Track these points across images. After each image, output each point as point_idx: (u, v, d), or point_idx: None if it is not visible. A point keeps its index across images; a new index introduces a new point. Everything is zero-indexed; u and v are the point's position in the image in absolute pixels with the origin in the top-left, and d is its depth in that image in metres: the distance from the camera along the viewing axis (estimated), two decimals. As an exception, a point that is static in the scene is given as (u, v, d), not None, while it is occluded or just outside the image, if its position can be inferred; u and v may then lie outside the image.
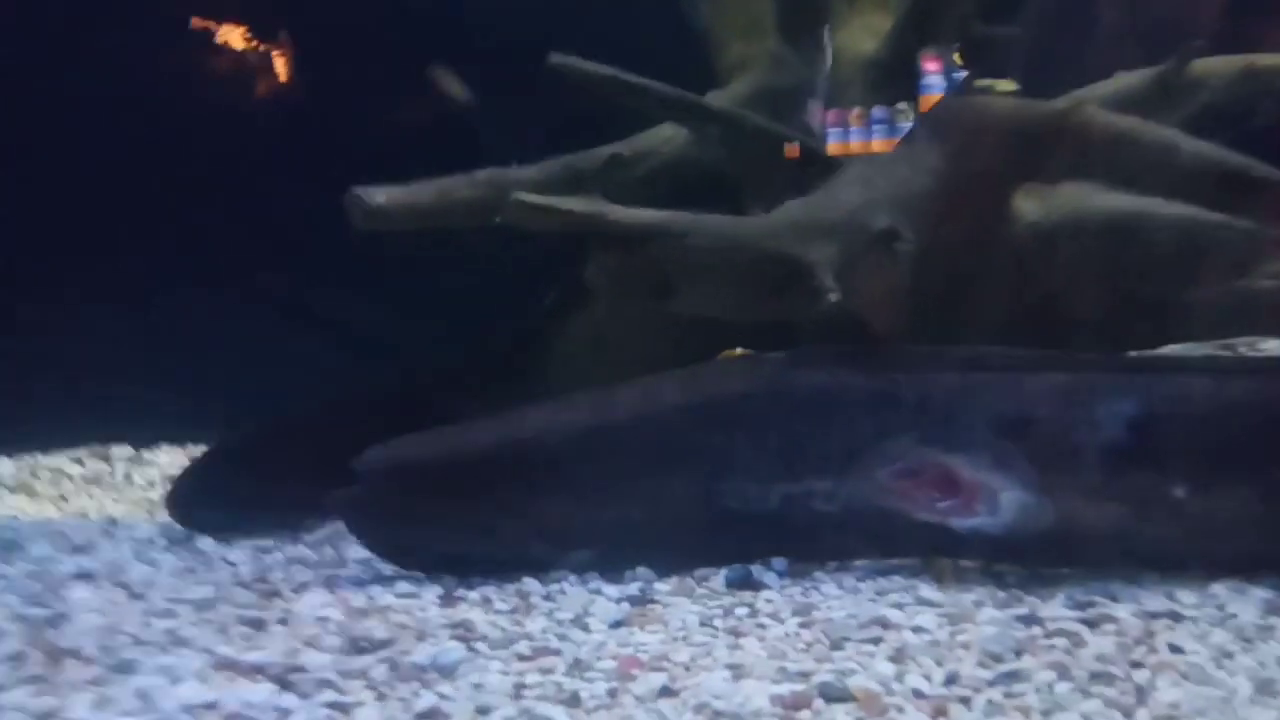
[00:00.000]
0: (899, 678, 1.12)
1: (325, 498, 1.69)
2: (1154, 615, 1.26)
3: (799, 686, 1.10)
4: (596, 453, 1.52)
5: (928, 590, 1.32)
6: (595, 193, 1.87)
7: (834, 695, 1.08)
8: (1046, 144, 1.83)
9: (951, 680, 1.12)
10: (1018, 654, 1.16)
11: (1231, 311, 1.88)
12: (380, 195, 1.71)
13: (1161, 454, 1.29)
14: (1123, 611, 1.27)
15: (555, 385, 2.31)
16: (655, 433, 1.51)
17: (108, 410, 2.45)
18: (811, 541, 1.42)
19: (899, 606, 1.30)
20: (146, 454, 2.54)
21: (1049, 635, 1.22)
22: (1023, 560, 1.37)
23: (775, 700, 1.07)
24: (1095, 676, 1.11)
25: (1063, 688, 1.09)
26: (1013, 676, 1.11)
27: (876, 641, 1.21)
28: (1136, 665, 1.14)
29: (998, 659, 1.15)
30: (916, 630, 1.24)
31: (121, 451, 2.53)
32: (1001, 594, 1.33)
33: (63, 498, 2.30)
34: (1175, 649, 1.18)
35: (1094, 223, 1.92)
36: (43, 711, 1.10)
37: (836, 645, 1.21)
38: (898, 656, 1.17)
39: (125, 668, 1.22)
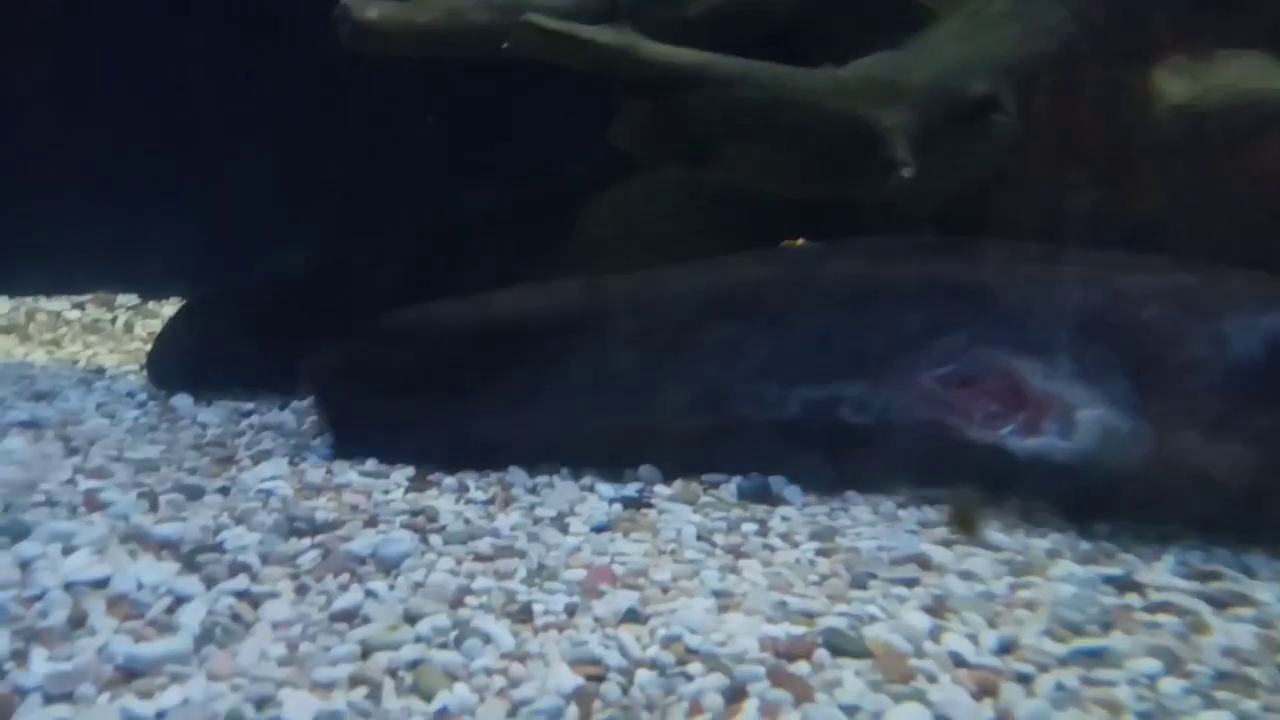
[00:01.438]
0: (934, 635, 0.87)
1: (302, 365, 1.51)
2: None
3: (799, 629, 0.87)
4: (584, 344, 1.26)
5: (988, 529, 1.03)
6: (629, 27, 1.57)
7: (843, 647, 0.84)
8: (1202, 6, 1.44)
9: (1006, 648, 0.86)
10: (1105, 627, 0.88)
11: None
12: (373, 9, 1.44)
13: None
14: (1265, 594, 0.95)
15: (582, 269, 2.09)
16: (654, 322, 1.23)
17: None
18: (831, 459, 1.14)
19: (946, 544, 1.02)
20: (153, 305, 2.39)
21: (1151, 609, 0.92)
22: (1098, 502, 1.06)
23: (765, 643, 0.84)
24: (1223, 678, 0.82)
25: (1172, 686, 0.80)
26: (1096, 657, 0.83)
27: (910, 584, 0.95)
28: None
29: (1076, 630, 0.88)
30: (965, 577, 0.97)
31: (127, 300, 2.39)
32: (1085, 545, 1.03)
33: (55, 343, 2.17)
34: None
35: (1264, 110, 1.53)
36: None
37: (858, 582, 0.96)
38: (936, 607, 0.92)
39: (19, 530, 1.06)
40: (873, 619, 0.90)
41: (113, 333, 2.26)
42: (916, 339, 1.07)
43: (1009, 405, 1.02)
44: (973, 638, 0.88)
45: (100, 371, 1.95)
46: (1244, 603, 0.94)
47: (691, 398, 1.19)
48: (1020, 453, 1.02)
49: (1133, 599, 0.95)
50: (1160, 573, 1.00)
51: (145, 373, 1.87)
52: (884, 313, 1.12)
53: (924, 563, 1.00)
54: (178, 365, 1.78)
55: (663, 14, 1.67)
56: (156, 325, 2.30)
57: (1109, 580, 0.97)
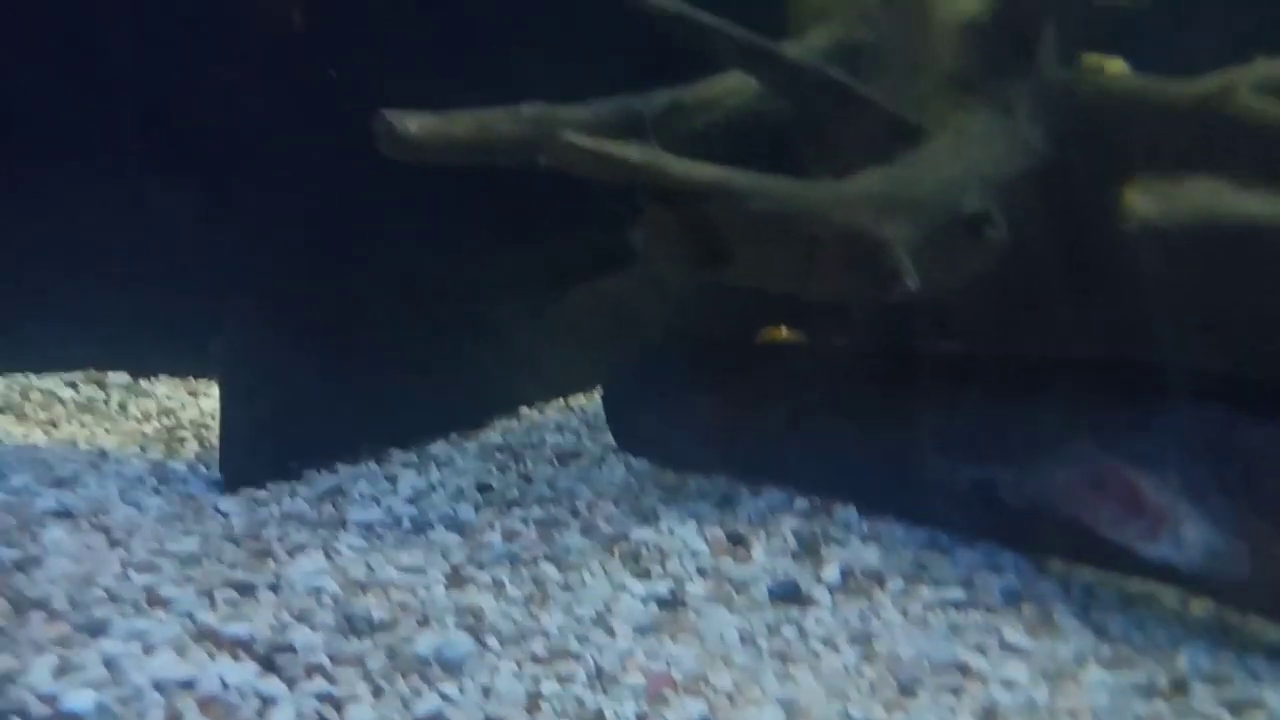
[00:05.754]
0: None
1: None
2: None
3: (870, 738, 0.94)
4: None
5: (1012, 633, 1.13)
6: (650, 141, 1.69)
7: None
8: (1176, 133, 1.62)
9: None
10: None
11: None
12: (413, 122, 1.53)
13: None
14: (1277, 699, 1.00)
15: (559, 345, 2.19)
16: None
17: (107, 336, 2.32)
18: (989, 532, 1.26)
19: (980, 650, 1.09)
20: (144, 383, 2.40)
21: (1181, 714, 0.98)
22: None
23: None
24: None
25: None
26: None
27: (957, 692, 1.02)
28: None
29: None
30: (1007, 686, 1.03)
31: (118, 379, 2.39)
32: (1106, 649, 1.08)
33: (52, 423, 2.17)
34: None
35: (1223, 228, 1.71)
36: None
37: (907, 690, 1.03)
38: (987, 716, 0.98)
39: (95, 628, 1.09)
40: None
41: (107, 412, 2.26)
42: (1055, 438, 1.17)
43: (1131, 511, 1.10)
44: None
45: (104, 454, 1.95)
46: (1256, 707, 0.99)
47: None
48: (1147, 557, 1.11)
49: (1160, 706, 1.00)
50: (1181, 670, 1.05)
51: (155, 453, 1.88)
52: (1028, 410, 1.22)
53: (964, 669, 1.07)
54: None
55: (676, 125, 1.81)
56: (151, 404, 2.31)
57: (1136, 687, 1.03)
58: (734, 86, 1.88)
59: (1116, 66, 2.11)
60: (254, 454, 1.78)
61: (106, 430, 2.13)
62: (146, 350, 2.36)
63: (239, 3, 2.30)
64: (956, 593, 1.20)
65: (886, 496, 1.37)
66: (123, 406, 2.29)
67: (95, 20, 2.31)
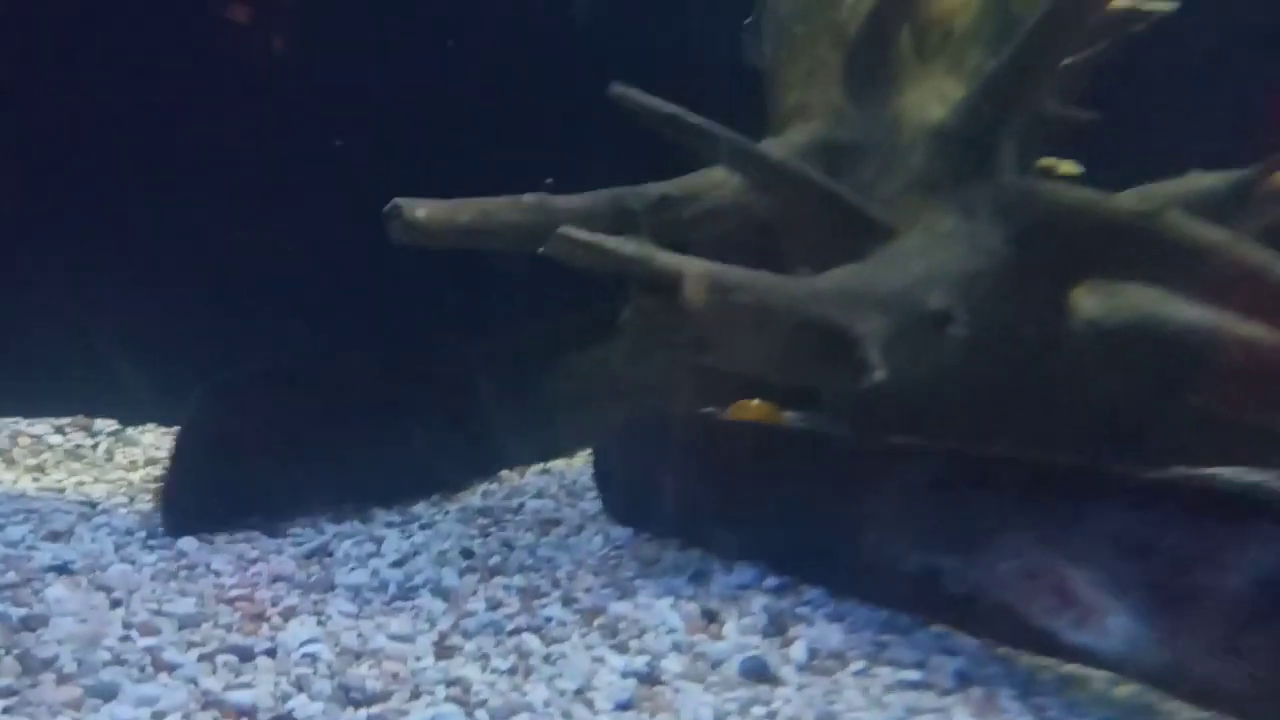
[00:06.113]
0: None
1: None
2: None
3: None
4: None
5: (961, 715, 1.22)
6: (641, 231, 1.81)
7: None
8: (1117, 243, 1.77)
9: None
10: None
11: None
12: (422, 210, 1.64)
13: None
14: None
15: (554, 410, 2.29)
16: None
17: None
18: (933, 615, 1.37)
19: None
20: (131, 431, 2.45)
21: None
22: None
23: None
24: None
25: None
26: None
27: None
28: None
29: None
30: None
31: (105, 425, 2.44)
32: None
33: (40, 469, 2.20)
34: None
35: (1161, 329, 1.86)
36: (14, 736, 1.03)
37: (868, 767, 1.12)
38: None
39: (106, 692, 1.14)
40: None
41: (95, 459, 2.30)
42: (996, 531, 1.29)
43: (1062, 602, 1.21)
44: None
45: (93, 505, 2.00)
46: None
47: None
48: (1072, 645, 1.21)
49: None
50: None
51: (144, 503, 1.93)
52: (974, 503, 1.34)
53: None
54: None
55: (666, 216, 1.94)
56: (137, 453, 2.36)
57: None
58: (719, 179, 2.02)
59: (1069, 169, 2.28)
60: (201, 504, 1.84)
61: (94, 479, 2.17)
62: (134, 399, 2.41)
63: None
64: (913, 674, 1.29)
65: (848, 577, 1.47)
66: (109, 454, 2.33)
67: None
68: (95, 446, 2.37)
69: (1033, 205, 1.86)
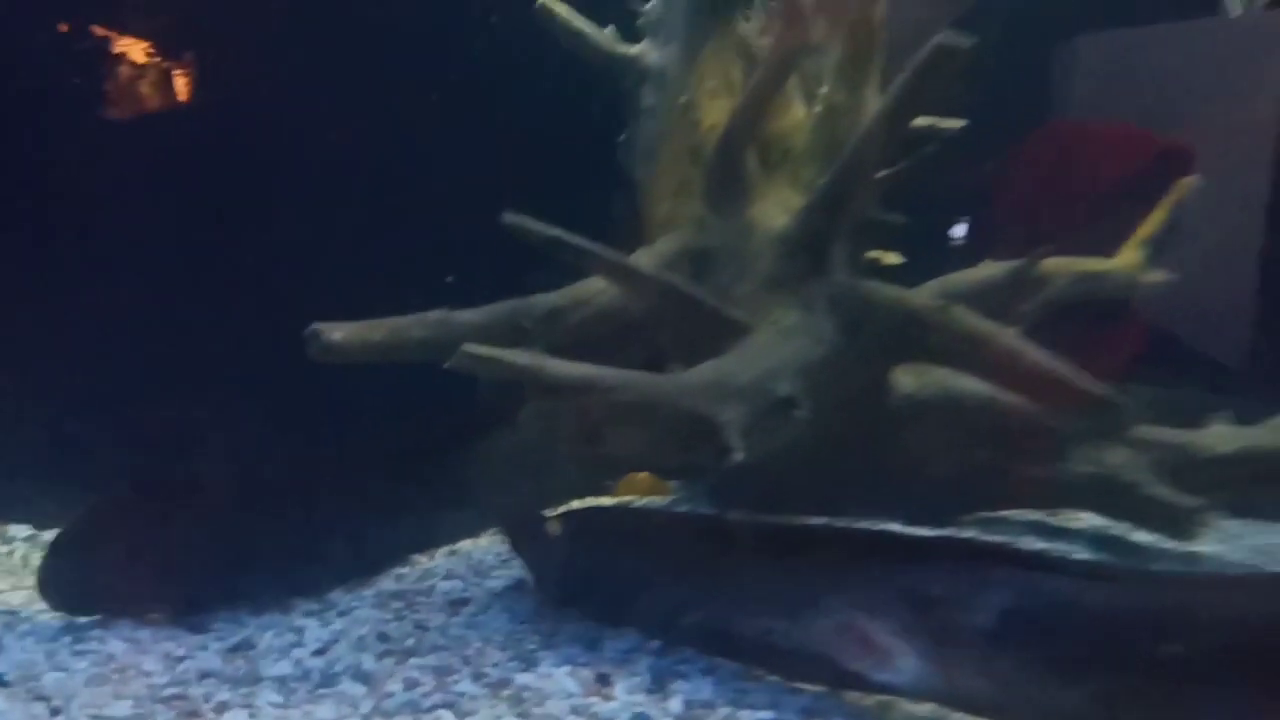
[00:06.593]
0: None
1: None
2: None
3: None
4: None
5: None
6: (536, 339, 2.08)
7: None
8: (919, 332, 2.16)
9: None
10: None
11: (1056, 486, 2.26)
12: (338, 332, 1.84)
13: (1024, 644, 1.44)
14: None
15: (464, 493, 2.49)
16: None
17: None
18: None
19: None
20: (47, 536, 2.47)
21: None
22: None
23: None
24: None
25: None
26: None
27: None
28: None
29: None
30: None
31: (19, 531, 2.46)
32: None
33: (-44, 578, 2.22)
34: None
35: (958, 400, 2.27)
36: None
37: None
38: None
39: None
40: None
41: (11, 566, 2.33)
42: (816, 595, 1.61)
43: (866, 650, 1.54)
44: None
45: (14, 613, 2.05)
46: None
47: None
48: (877, 682, 1.54)
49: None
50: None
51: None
52: (800, 571, 1.66)
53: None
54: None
55: (557, 324, 2.20)
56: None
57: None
58: (601, 286, 2.30)
59: (893, 259, 2.71)
60: (84, 592, 1.95)
61: (12, 585, 2.20)
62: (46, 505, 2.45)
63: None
64: (768, 714, 1.55)
65: (712, 639, 1.75)
66: (25, 560, 2.35)
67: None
68: (11, 553, 2.38)
69: (857, 301, 2.23)
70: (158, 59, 2.71)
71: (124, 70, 2.67)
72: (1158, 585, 1.52)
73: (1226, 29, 3.31)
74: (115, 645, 1.88)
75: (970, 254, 2.66)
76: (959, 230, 3.33)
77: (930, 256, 2.64)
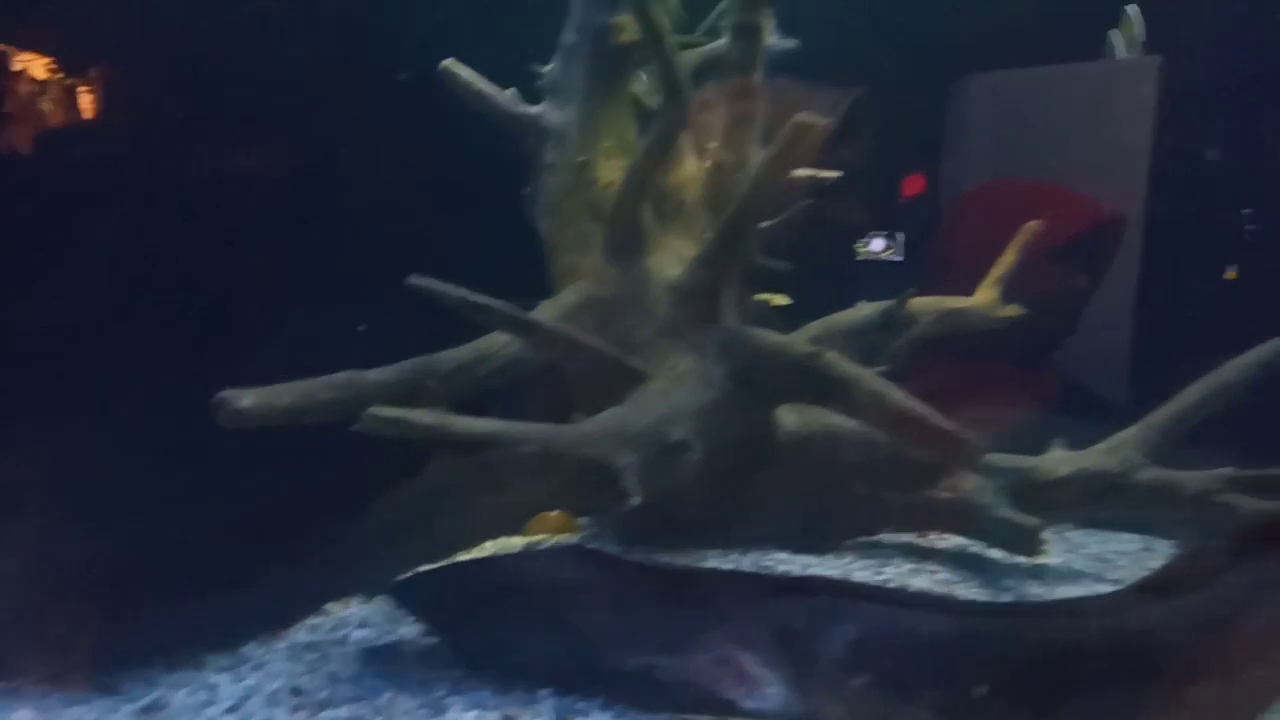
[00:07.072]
0: None
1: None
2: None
3: None
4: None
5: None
6: (443, 396, 2.18)
7: None
8: (798, 376, 2.36)
9: None
10: None
11: (922, 511, 2.51)
12: (246, 399, 1.90)
13: (869, 669, 1.64)
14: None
15: (376, 543, 2.56)
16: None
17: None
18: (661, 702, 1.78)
19: None
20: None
21: None
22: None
23: None
24: None
25: None
26: None
27: None
28: None
29: None
30: None
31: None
32: None
33: None
34: None
35: (835, 436, 2.49)
36: None
37: None
38: None
39: None
40: None
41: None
42: (695, 632, 1.75)
43: (739, 680, 1.70)
44: None
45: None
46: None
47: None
48: (750, 710, 1.69)
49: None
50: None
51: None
52: (682, 611, 1.79)
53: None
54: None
55: (464, 378, 2.30)
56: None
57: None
58: (505, 339, 2.41)
59: (780, 300, 2.93)
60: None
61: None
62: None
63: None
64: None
65: (606, 678, 1.86)
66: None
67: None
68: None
69: (743, 347, 2.42)
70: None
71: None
72: (982, 614, 1.76)
73: (1110, 71, 3.60)
74: (23, 714, 1.88)
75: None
76: (876, 245, 3.58)
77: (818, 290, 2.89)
